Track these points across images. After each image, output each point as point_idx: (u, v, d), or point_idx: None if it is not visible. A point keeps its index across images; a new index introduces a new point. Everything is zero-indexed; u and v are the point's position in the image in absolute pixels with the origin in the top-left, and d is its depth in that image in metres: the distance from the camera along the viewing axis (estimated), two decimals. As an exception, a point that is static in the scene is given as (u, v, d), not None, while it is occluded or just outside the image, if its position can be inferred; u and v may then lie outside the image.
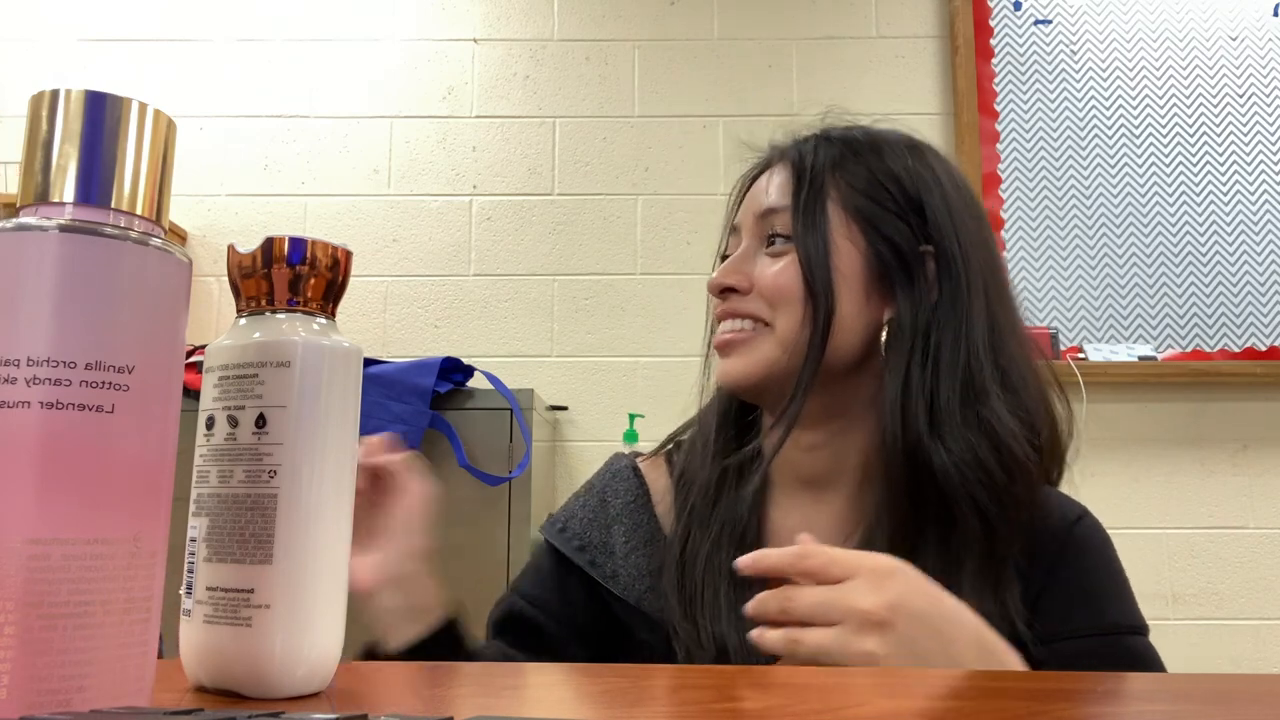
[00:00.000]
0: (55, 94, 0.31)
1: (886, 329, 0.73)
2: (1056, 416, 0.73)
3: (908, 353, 0.70)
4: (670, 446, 0.85)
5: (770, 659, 0.55)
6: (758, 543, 0.73)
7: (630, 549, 0.77)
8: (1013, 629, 0.64)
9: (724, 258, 0.80)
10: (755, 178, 0.80)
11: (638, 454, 0.86)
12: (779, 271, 0.73)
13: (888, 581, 0.54)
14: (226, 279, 0.40)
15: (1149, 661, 0.67)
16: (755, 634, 0.55)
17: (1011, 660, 0.56)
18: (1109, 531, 0.72)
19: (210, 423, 0.39)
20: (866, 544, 0.68)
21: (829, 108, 0.82)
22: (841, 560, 0.55)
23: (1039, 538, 0.68)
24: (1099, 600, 0.68)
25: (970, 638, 0.55)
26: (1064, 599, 0.67)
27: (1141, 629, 0.68)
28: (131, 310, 0.30)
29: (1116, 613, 0.68)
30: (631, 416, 2.02)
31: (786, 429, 0.71)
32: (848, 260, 0.72)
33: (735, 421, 0.80)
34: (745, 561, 0.57)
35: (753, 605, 0.56)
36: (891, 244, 0.73)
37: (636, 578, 0.76)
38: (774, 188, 0.76)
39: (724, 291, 0.75)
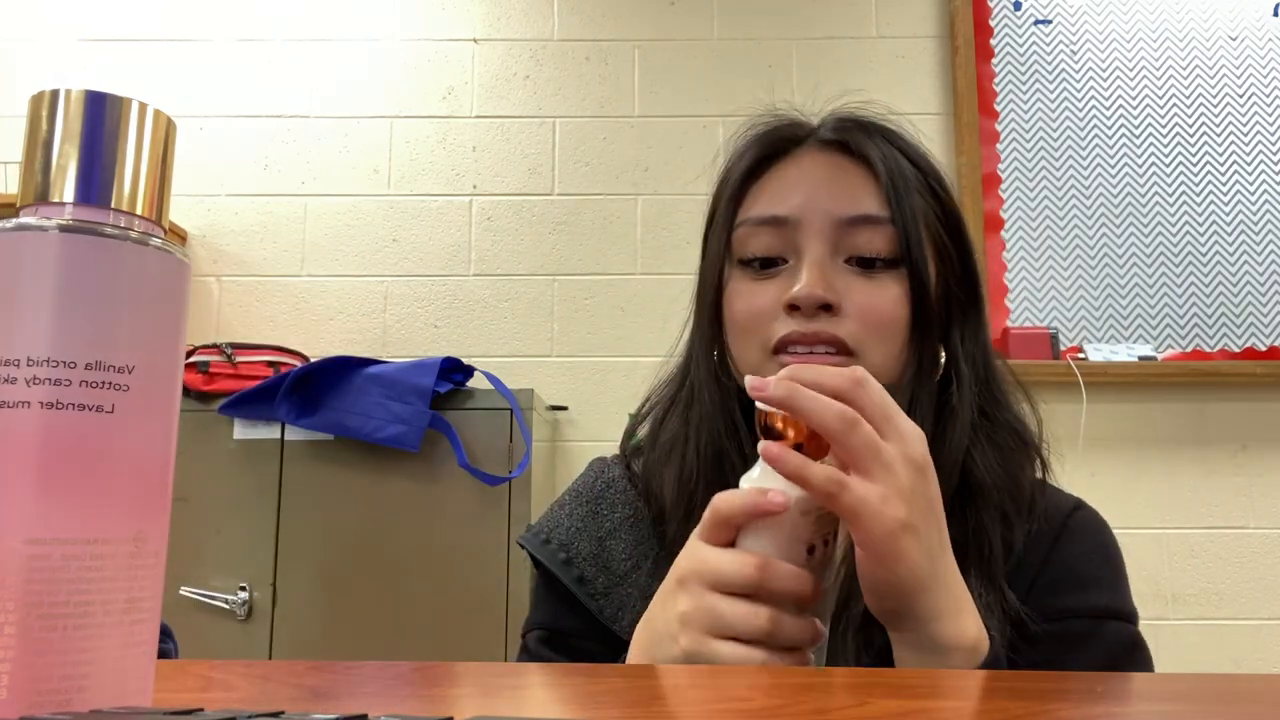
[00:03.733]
0: (55, 94, 0.31)
1: (941, 350, 0.71)
2: (1035, 413, 0.73)
3: (959, 372, 0.69)
4: (633, 450, 0.76)
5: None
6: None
7: (632, 566, 0.70)
8: (1010, 619, 0.63)
9: (763, 262, 0.67)
10: (764, 162, 0.70)
11: (618, 459, 0.78)
12: (890, 301, 0.65)
13: (926, 471, 0.50)
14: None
15: (1134, 648, 0.65)
16: (779, 450, 0.48)
17: (968, 627, 0.51)
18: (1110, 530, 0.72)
19: None
20: None
21: (848, 96, 0.76)
22: (897, 421, 0.50)
23: (1038, 523, 0.68)
24: (1088, 584, 0.66)
25: (948, 570, 0.51)
26: (1056, 580, 0.66)
27: (1130, 616, 0.66)
28: (131, 310, 0.30)
29: (1105, 597, 0.66)
30: (631, 416, 2.02)
31: None
32: (933, 289, 0.68)
33: (738, 443, 0.69)
34: (788, 373, 0.49)
35: (785, 384, 0.48)
36: (950, 265, 0.70)
37: (637, 600, 0.67)
38: (855, 191, 0.67)
39: (819, 309, 0.64)
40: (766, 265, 0.68)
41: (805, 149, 0.70)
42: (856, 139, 0.68)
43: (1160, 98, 2.17)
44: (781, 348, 0.65)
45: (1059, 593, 0.65)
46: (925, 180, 0.70)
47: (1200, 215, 2.12)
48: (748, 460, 0.67)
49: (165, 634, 0.49)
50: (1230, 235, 2.11)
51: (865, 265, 0.66)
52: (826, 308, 0.64)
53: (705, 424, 0.70)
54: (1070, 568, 0.67)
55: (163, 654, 0.37)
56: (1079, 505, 0.71)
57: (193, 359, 1.79)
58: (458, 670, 0.45)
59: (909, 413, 0.61)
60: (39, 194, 0.30)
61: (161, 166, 0.33)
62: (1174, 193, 2.13)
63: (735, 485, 0.63)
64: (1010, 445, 0.68)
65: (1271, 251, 2.11)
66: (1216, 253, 2.11)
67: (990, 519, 0.66)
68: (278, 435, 1.73)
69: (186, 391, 1.74)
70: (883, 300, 0.65)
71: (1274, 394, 2.07)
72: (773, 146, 0.71)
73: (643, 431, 0.77)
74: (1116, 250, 2.12)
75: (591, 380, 2.15)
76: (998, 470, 0.66)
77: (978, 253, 0.72)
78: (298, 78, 2.25)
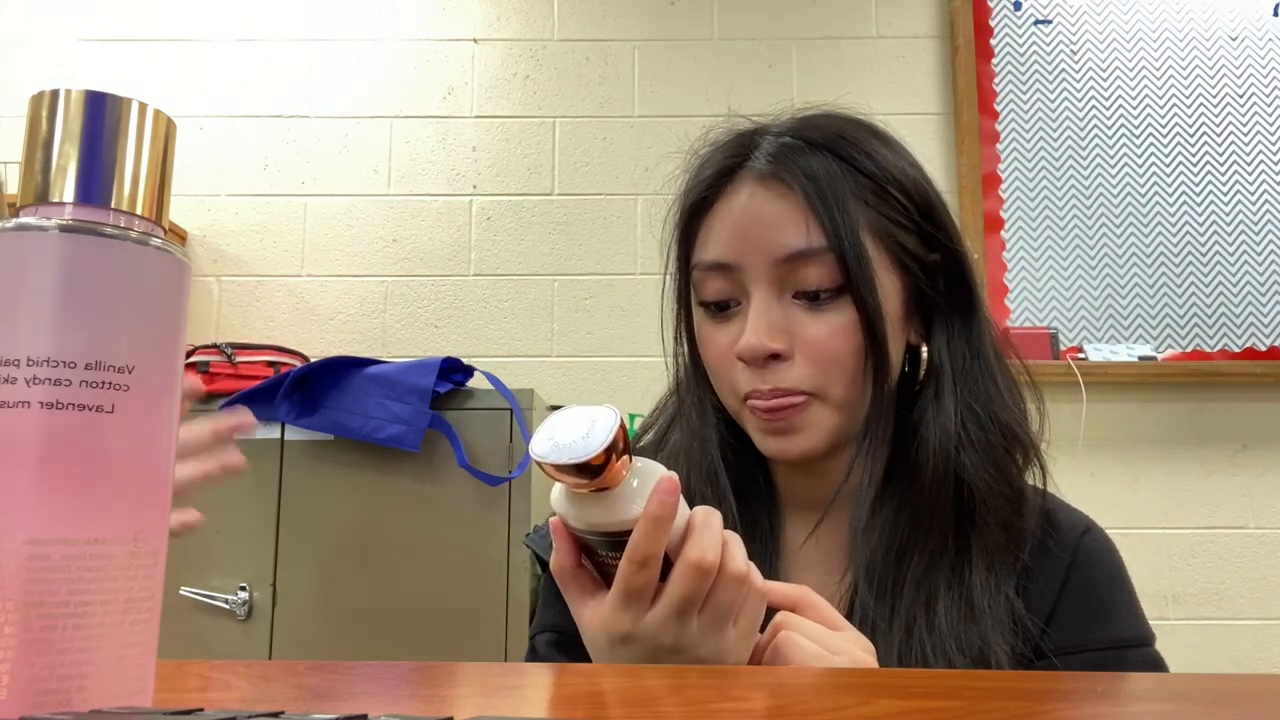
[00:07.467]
0: (55, 94, 0.31)
1: (924, 353, 0.71)
2: (1040, 411, 0.72)
3: (940, 375, 0.68)
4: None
5: None
6: (777, 568, 0.70)
7: None
8: (1024, 631, 0.63)
9: (718, 305, 0.68)
10: (708, 199, 0.69)
11: None
12: (833, 335, 0.64)
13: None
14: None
15: (1155, 671, 0.65)
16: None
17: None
18: (1110, 531, 0.72)
19: None
20: (894, 564, 0.66)
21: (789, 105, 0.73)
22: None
23: (1048, 546, 0.67)
24: (1108, 614, 0.67)
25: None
26: (1075, 612, 0.66)
27: (1149, 639, 0.67)
28: (131, 310, 0.30)
29: (1125, 626, 0.67)
30: (632, 416, 2.02)
31: (869, 479, 0.67)
32: (890, 299, 0.66)
33: (732, 452, 0.71)
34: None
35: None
36: (917, 262, 0.68)
37: None
38: (786, 223, 0.64)
39: (769, 359, 0.64)
40: (722, 308, 0.68)
41: (742, 181, 0.68)
42: (788, 165, 0.66)
43: (1160, 98, 2.17)
44: (747, 397, 0.67)
45: (1081, 624, 0.66)
46: (878, 185, 0.66)
47: (1200, 215, 2.12)
48: (733, 472, 0.71)
49: None
50: (1230, 235, 2.11)
51: (812, 299, 0.65)
52: (775, 356, 0.64)
53: (698, 442, 0.72)
54: (1090, 597, 0.67)
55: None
56: (1088, 527, 0.70)
57: (193, 359, 1.79)
58: (458, 670, 0.45)
59: (862, 439, 0.66)
60: (39, 194, 0.30)
61: (161, 166, 0.33)
62: (1174, 193, 2.13)
63: (730, 500, 0.69)
64: (1002, 445, 0.67)
65: (1271, 251, 2.11)
66: (1216, 253, 2.11)
67: (985, 523, 0.65)
68: (278, 435, 1.73)
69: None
70: (832, 335, 0.64)
71: (1274, 394, 2.07)
72: (717, 180, 0.70)
73: (647, 439, 0.78)
74: (1116, 250, 2.12)
75: (591, 380, 2.15)
76: (990, 471, 0.66)
77: (971, 246, 0.71)
78: (298, 78, 2.25)
